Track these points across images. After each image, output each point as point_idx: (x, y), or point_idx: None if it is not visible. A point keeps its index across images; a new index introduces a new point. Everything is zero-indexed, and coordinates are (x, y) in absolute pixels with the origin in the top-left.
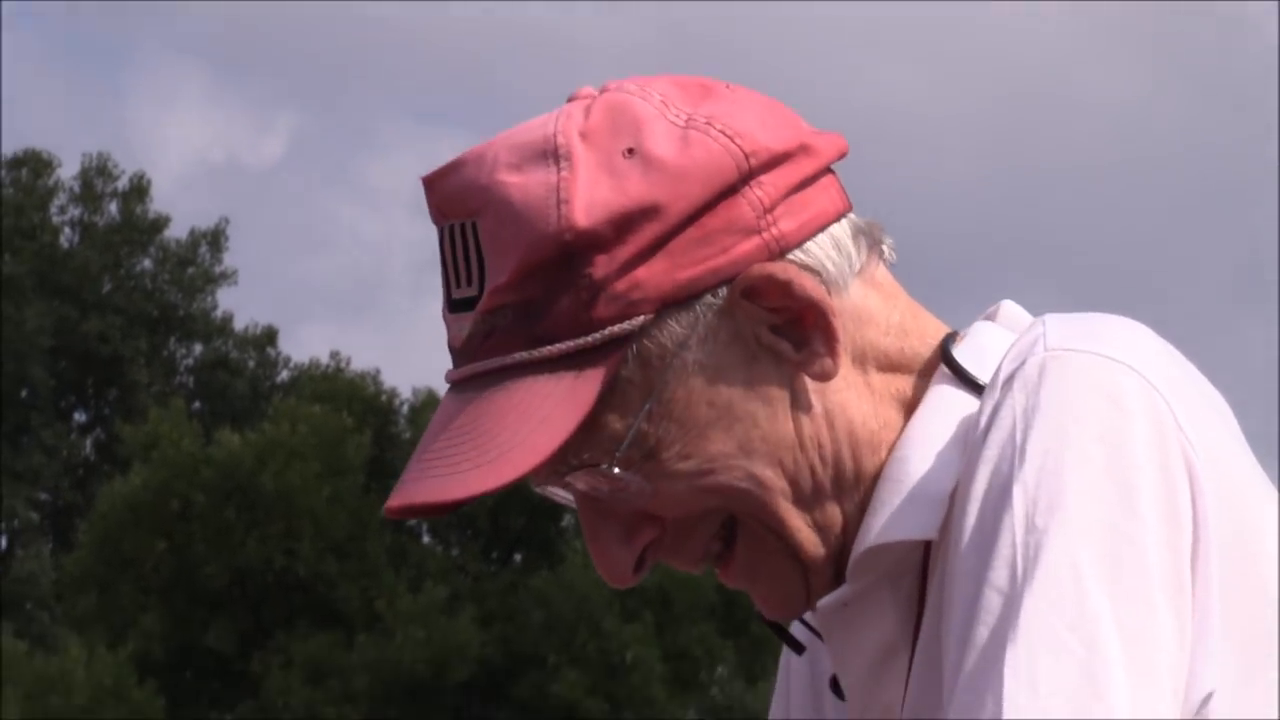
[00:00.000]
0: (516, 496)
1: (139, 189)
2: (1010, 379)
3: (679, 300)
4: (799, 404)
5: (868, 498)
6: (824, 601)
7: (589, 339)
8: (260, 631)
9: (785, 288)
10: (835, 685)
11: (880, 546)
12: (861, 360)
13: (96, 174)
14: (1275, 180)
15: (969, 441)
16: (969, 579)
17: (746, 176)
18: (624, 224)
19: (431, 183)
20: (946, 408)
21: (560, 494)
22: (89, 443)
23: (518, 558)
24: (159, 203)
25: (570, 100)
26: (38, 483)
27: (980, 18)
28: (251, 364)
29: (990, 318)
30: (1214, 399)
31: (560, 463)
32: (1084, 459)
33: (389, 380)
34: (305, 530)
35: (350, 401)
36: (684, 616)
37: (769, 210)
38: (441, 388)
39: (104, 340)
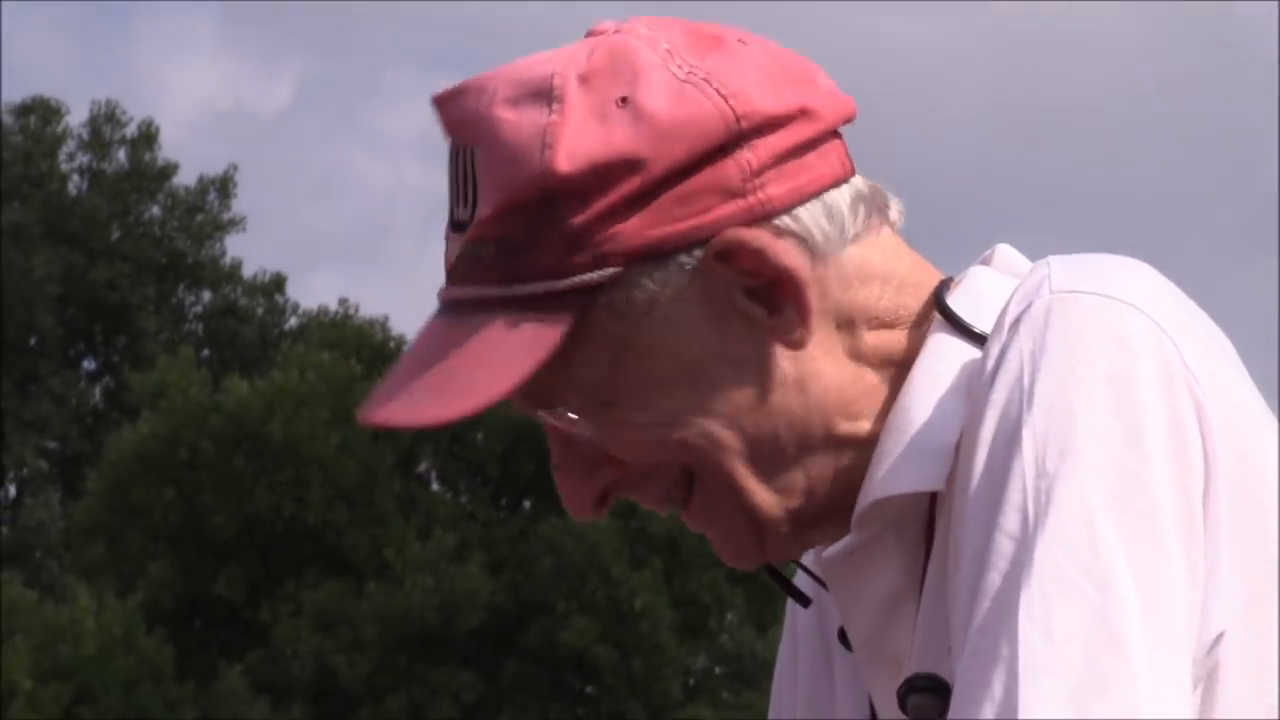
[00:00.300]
0: (526, 442)
1: (147, 136)
2: (1016, 322)
3: (654, 255)
4: (767, 368)
5: (845, 461)
6: (829, 552)
7: (560, 284)
8: (269, 580)
9: (758, 254)
10: (843, 636)
11: (885, 499)
12: (850, 324)
13: (105, 121)
14: (1276, 129)
15: (974, 387)
16: (979, 525)
17: (737, 139)
18: (606, 174)
19: (439, 103)
20: (946, 356)
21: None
22: (98, 391)
23: (527, 504)
24: (167, 150)
25: (587, 35)
26: (46, 431)
27: None
28: (260, 311)
29: (985, 262)
30: (1219, 338)
31: (523, 400)
32: (1092, 401)
33: (397, 327)
34: (314, 478)
35: (359, 348)
36: (693, 563)
37: (756, 174)
38: None
39: (112, 288)
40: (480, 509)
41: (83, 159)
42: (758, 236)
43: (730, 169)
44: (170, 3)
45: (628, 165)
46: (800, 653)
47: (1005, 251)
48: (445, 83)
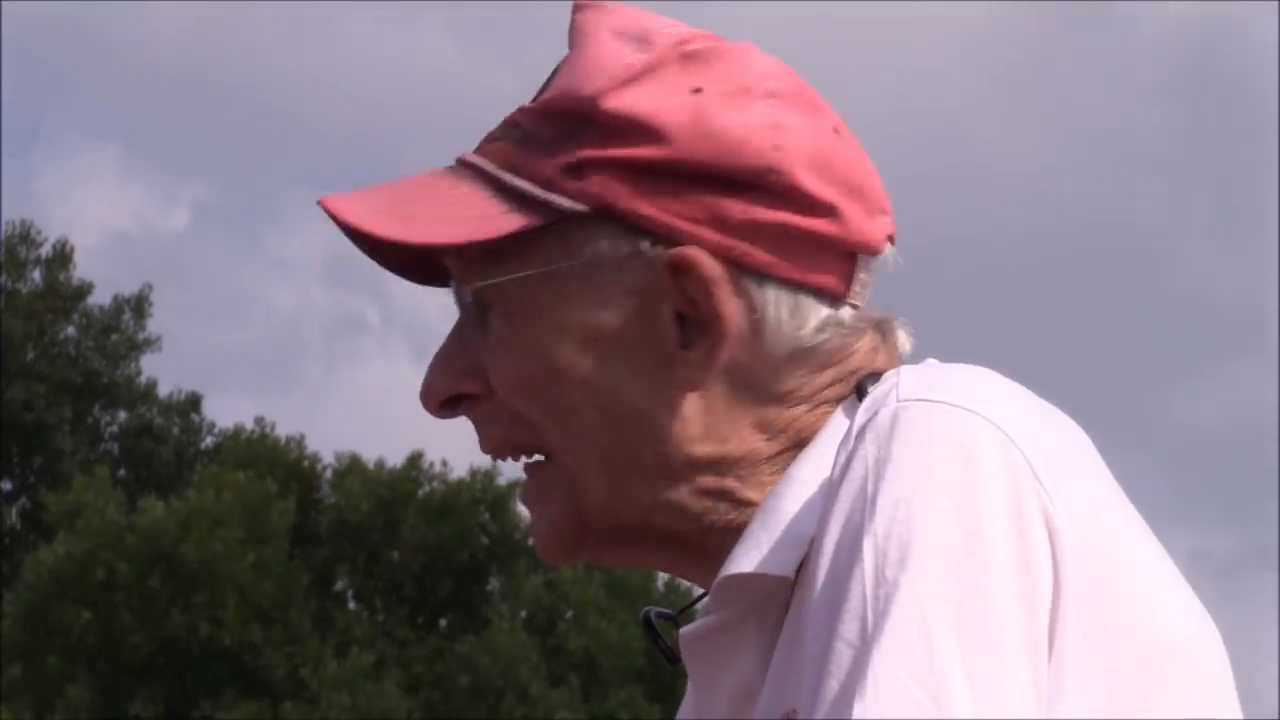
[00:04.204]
0: (442, 562)
1: (62, 256)
2: (863, 430)
3: (625, 223)
4: (660, 384)
5: (702, 506)
6: (688, 629)
7: (540, 194)
8: (186, 700)
9: (706, 285)
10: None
11: (740, 576)
12: (768, 401)
13: (19, 241)
14: (1171, 250)
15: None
16: (821, 631)
17: (755, 184)
18: (635, 131)
19: (576, 8)
20: (835, 443)
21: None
22: (14, 512)
23: (443, 623)
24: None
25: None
26: None
27: (881, 77)
28: (176, 430)
29: None
30: (1078, 442)
31: (456, 267)
32: (934, 510)
33: (313, 445)
34: (229, 598)
35: (273, 468)
36: (611, 680)
37: (752, 226)
38: (364, 454)
39: (28, 408)
40: (397, 627)
41: None
42: (713, 268)
43: (733, 203)
44: (69, 130)
45: (656, 135)
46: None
47: (932, 364)
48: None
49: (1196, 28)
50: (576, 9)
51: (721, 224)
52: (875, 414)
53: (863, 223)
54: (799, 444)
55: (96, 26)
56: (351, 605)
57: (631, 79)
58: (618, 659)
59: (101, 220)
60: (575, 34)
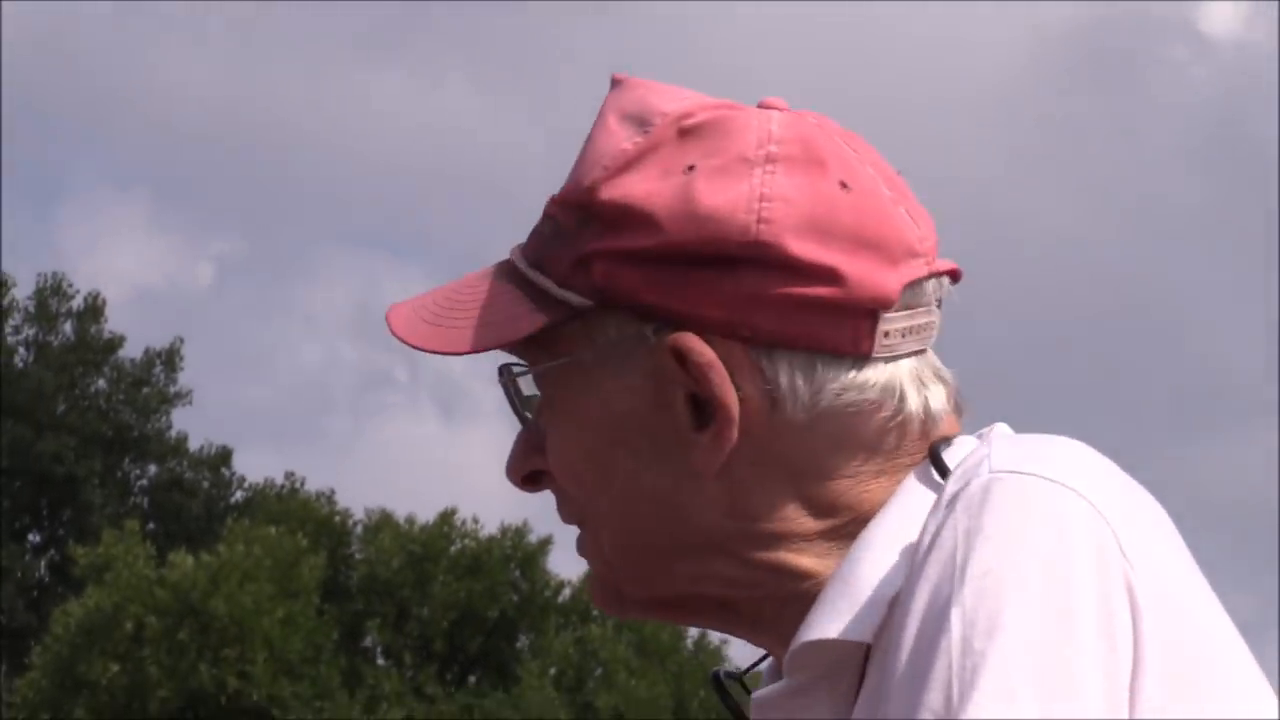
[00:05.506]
0: (473, 619)
1: (94, 309)
2: (954, 499)
3: (632, 309)
4: (674, 464)
5: (744, 575)
6: (760, 694)
7: (555, 290)
8: None
9: (701, 369)
10: None
11: (818, 643)
12: (807, 476)
13: (51, 293)
14: (1198, 310)
15: (913, 556)
16: (903, 700)
17: (747, 258)
18: (632, 220)
19: (611, 83)
20: (910, 506)
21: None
22: (43, 564)
23: (472, 679)
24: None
25: (758, 103)
26: None
27: (906, 145)
28: (206, 484)
29: (981, 438)
30: (1158, 516)
31: (517, 350)
32: (1024, 583)
33: (343, 500)
34: (259, 652)
35: (304, 523)
36: None
37: (750, 299)
38: (394, 508)
39: (58, 461)
40: (426, 683)
41: (29, 331)
42: (705, 352)
43: (729, 281)
44: (97, 186)
45: (648, 223)
46: None
47: (1002, 428)
48: (368, 261)
49: (1220, 95)
50: (610, 89)
51: (722, 303)
52: (967, 484)
53: (874, 276)
54: (862, 514)
55: (125, 82)
56: (381, 661)
57: (626, 165)
58: (646, 716)
59: (128, 274)
60: (597, 118)
